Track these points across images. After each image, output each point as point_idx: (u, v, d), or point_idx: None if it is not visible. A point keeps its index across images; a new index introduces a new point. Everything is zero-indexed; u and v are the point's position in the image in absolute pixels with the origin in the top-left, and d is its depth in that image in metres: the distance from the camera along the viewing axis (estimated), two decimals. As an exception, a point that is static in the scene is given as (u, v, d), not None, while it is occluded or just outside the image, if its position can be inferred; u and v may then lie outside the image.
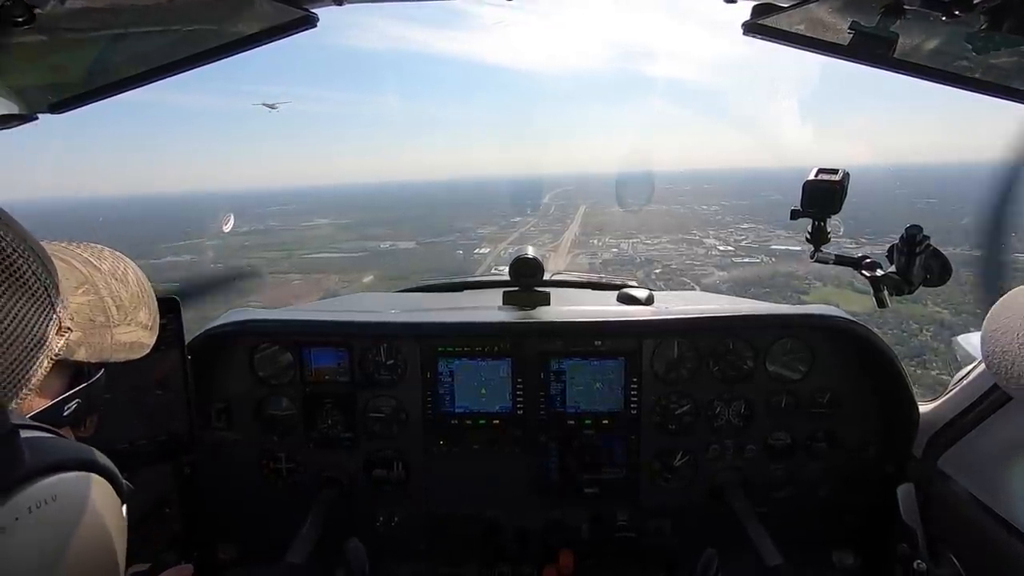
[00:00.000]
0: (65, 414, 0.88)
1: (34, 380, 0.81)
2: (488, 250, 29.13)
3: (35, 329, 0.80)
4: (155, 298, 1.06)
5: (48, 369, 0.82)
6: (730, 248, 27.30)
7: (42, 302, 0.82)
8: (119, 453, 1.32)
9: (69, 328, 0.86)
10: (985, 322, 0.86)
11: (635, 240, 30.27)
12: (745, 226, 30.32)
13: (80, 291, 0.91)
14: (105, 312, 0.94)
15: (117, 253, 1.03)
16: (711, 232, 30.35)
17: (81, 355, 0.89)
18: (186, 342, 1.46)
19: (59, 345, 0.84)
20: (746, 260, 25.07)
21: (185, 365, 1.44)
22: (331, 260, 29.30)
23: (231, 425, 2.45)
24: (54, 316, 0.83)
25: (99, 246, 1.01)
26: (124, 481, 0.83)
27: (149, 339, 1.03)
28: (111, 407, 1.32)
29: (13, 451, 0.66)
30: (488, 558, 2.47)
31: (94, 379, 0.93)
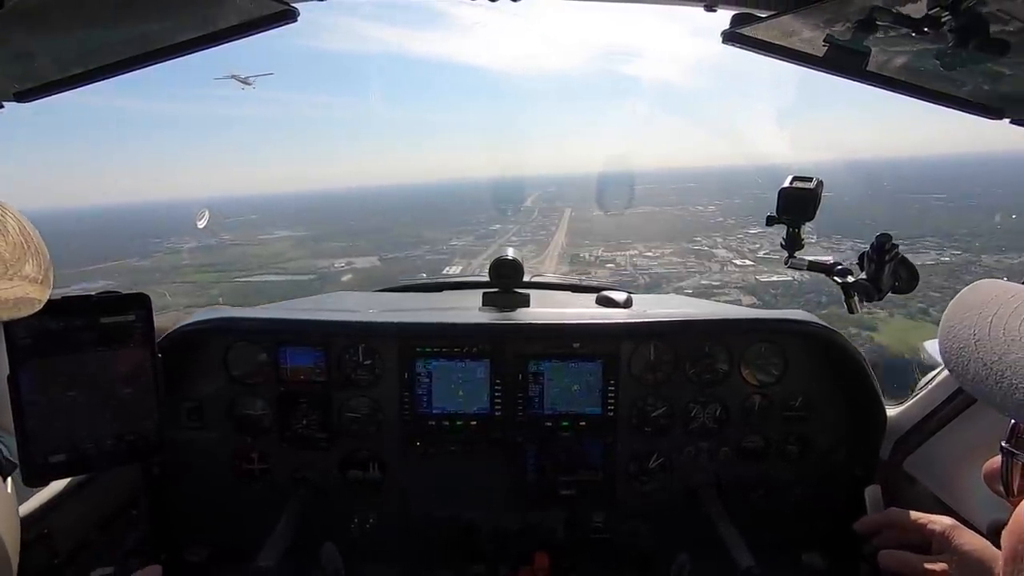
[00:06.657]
0: None
1: None
2: (460, 268, 25.65)
3: None
4: (45, 248, 0.98)
5: None
6: (748, 262, 23.68)
7: None
8: (86, 454, 1.29)
9: None
10: (942, 319, 0.84)
11: (632, 252, 26.64)
12: (754, 231, 26.29)
13: None
14: None
15: None
16: (718, 240, 27.03)
17: None
18: (156, 339, 1.42)
19: None
20: (774, 278, 20.84)
21: (155, 362, 1.41)
22: (271, 285, 25.41)
23: (203, 424, 2.40)
24: None
25: None
26: (9, 458, 0.80)
27: (39, 294, 0.96)
28: (76, 406, 1.28)
29: None
30: (464, 560, 2.45)
31: None
